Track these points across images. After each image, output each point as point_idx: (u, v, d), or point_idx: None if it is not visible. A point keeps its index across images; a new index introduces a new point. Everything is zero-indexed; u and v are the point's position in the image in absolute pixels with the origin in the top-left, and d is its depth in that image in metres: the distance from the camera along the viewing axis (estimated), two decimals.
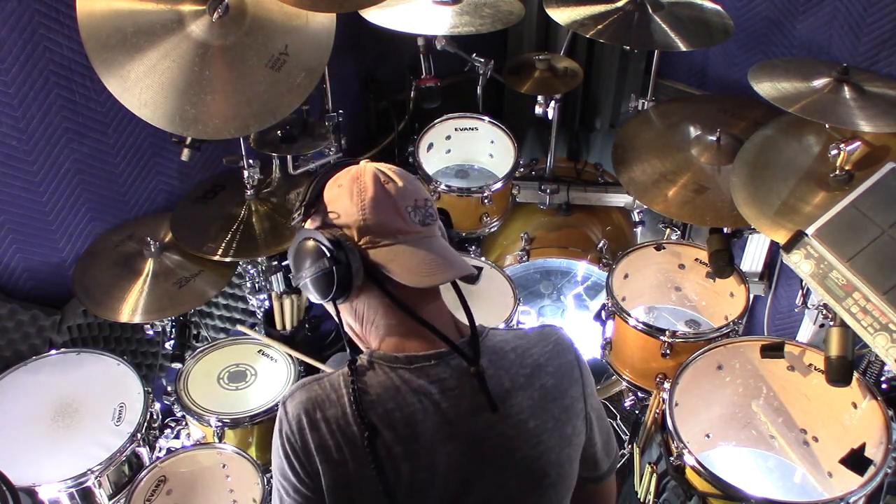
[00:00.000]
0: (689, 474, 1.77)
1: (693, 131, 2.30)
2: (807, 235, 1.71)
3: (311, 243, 1.16)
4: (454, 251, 1.24)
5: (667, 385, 1.89)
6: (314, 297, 1.20)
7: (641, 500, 1.98)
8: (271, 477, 2.05)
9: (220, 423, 2.07)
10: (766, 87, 1.95)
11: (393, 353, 1.17)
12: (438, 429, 1.14)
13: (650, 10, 2.29)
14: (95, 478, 1.90)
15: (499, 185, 2.50)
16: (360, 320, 1.22)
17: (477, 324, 1.23)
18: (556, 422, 1.20)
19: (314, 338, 2.53)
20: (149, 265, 2.15)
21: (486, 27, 2.36)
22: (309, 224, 1.22)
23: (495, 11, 2.41)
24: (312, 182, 1.23)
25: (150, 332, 2.22)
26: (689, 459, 1.74)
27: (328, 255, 1.13)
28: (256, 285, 2.41)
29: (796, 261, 1.72)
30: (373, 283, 1.17)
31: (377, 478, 1.11)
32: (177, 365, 2.20)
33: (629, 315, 2.17)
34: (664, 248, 2.33)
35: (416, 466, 1.13)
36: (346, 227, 1.17)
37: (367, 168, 1.20)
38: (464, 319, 1.24)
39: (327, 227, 1.18)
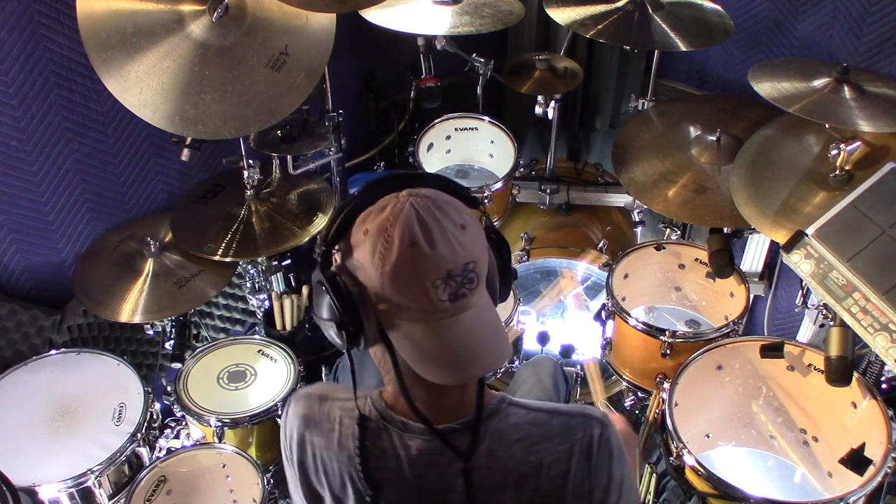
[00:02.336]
0: (689, 474, 1.77)
1: (693, 131, 2.30)
2: (807, 235, 1.71)
3: (324, 297, 1.04)
4: (489, 329, 1.06)
5: (667, 385, 1.90)
6: (328, 335, 1.11)
7: (641, 500, 1.98)
8: (272, 476, 2.06)
9: (219, 423, 2.07)
10: (766, 87, 1.95)
11: (391, 412, 1.12)
12: (411, 499, 1.13)
13: (650, 10, 2.29)
14: (95, 478, 1.90)
15: (499, 185, 2.50)
16: (377, 359, 1.14)
17: (501, 394, 1.14)
18: None
19: (314, 338, 2.53)
20: (149, 265, 2.15)
21: (486, 27, 2.36)
22: (334, 260, 1.07)
23: (495, 11, 2.41)
24: (341, 210, 1.05)
25: (150, 332, 2.22)
26: (688, 459, 1.74)
27: (338, 317, 1.03)
28: (256, 285, 2.41)
29: (796, 261, 1.72)
30: (385, 345, 1.07)
31: None
32: (177, 365, 2.20)
33: (629, 315, 2.17)
34: (664, 248, 2.33)
35: None
36: (365, 285, 1.02)
37: (402, 213, 0.99)
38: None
39: (348, 273, 1.04)
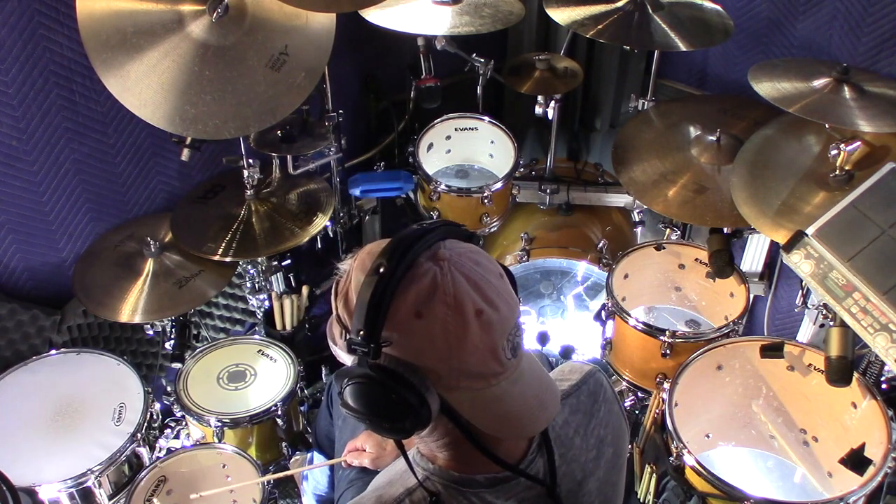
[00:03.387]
0: (689, 474, 1.77)
1: (693, 131, 2.30)
2: (807, 235, 1.71)
3: (392, 395, 0.94)
4: (540, 371, 1.04)
5: (667, 385, 1.90)
6: (372, 430, 1.04)
7: (641, 500, 1.98)
8: None
9: (219, 423, 2.07)
10: (766, 87, 1.95)
11: (468, 476, 1.05)
12: None
13: (650, 10, 2.28)
14: (95, 478, 1.90)
15: (499, 185, 2.50)
16: (417, 435, 1.05)
17: None
18: (615, 487, 1.20)
19: (314, 338, 2.53)
20: (149, 265, 2.15)
21: (486, 27, 2.36)
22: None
23: (495, 11, 2.41)
24: (378, 300, 0.93)
25: (150, 332, 2.22)
26: (688, 459, 1.74)
27: (414, 411, 0.95)
28: (256, 285, 2.41)
29: (796, 261, 1.72)
30: (447, 418, 0.99)
31: None
32: (177, 365, 2.20)
33: (629, 315, 2.17)
34: (664, 248, 2.33)
35: None
36: (427, 368, 0.95)
37: (455, 283, 0.93)
38: None
39: (398, 361, 0.94)
